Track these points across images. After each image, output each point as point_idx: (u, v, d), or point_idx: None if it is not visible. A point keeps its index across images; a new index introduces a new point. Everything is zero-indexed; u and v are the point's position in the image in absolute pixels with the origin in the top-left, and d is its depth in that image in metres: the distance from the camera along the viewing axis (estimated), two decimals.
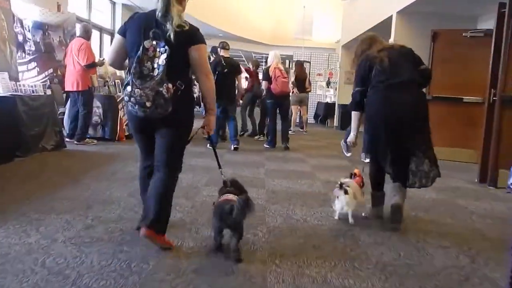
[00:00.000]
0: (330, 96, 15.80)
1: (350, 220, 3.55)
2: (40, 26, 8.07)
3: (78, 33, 7.21)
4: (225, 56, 7.60)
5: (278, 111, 7.98)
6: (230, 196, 2.76)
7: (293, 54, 15.53)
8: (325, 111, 14.79)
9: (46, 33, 8.36)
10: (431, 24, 7.56)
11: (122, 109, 7.86)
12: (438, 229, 3.58)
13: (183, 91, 2.66)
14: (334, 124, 14.00)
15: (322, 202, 4.18)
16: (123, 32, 2.75)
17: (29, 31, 7.82)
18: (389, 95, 3.36)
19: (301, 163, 6.36)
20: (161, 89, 2.51)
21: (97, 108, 7.59)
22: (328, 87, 16.19)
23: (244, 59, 23.09)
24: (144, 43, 2.54)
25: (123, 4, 13.45)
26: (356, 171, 3.81)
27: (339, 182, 3.51)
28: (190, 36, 2.68)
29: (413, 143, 3.42)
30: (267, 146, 7.98)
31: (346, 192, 3.46)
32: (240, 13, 18.16)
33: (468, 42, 7.19)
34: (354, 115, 3.67)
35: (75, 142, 6.97)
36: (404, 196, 3.53)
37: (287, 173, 5.62)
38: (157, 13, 2.62)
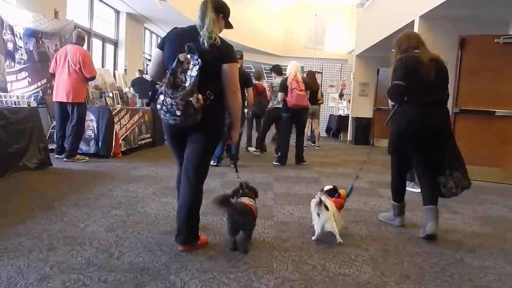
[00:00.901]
0: (343, 108, 15.10)
1: (338, 239, 3.28)
2: (33, 34, 7.51)
3: (73, 39, 6.59)
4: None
5: (294, 126, 7.50)
6: (246, 200, 3.05)
7: (304, 65, 14.90)
8: (338, 124, 14.08)
9: (40, 41, 7.79)
10: (458, 30, 6.85)
11: (119, 123, 7.21)
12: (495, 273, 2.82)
13: (213, 101, 2.80)
14: (348, 138, 13.24)
15: (345, 240, 3.39)
16: (161, 46, 2.92)
17: (20, 38, 7.26)
18: (427, 111, 3.43)
19: (315, 185, 5.63)
20: (191, 99, 2.64)
21: (91, 122, 6.96)
22: (341, 99, 15.51)
23: (253, 70, 22.52)
24: (179, 56, 2.69)
25: (127, 13, 12.94)
26: (341, 191, 3.62)
27: (318, 198, 3.23)
28: (224, 53, 2.83)
29: (444, 159, 3.47)
30: (277, 164, 7.35)
31: (327, 209, 3.19)
32: (251, 24, 17.68)
33: (500, 49, 6.46)
34: (391, 103, 3.67)
35: (65, 159, 6.33)
36: (438, 220, 3.54)
37: (300, 198, 4.88)
38: (198, 28, 2.79)
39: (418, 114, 3.46)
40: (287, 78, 7.35)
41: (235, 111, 2.96)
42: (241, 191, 3.23)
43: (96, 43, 11.87)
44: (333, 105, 15.63)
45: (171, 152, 3.15)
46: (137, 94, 10.94)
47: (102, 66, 12.03)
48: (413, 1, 7.68)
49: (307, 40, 14.43)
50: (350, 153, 9.96)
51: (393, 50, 3.73)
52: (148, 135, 8.61)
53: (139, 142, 8.10)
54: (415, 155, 3.57)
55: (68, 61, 6.30)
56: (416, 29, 7.26)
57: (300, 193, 5.13)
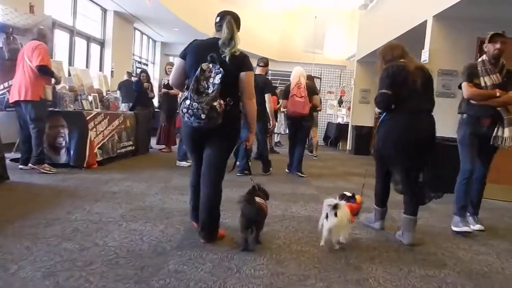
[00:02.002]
0: (342, 116, 14.35)
1: (336, 246, 3.29)
2: (2, 28, 6.72)
3: (34, 36, 5.83)
4: (257, 73, 6.61)
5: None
6: (258, 200, 3.23)
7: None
8: (337, 133, 13.33)
9: (11, 37, 6.99)
10: (476, 31, 6.15)
11: (94, 129, 6.41)
12: None
13: (232, 107, 3.10)
14: (347, 148, 12.47)
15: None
16: (183, 55, 3.19)
17: None
18: (414, 119, 3.50)
19: (316, 204, 4.85)
20: (215, 104, 2.92)
21: (62, 128, 6.15)
22: (340, 106, 14.78)
23: None
24: (202, 65, 2.98)
25: (115, 12, 12.17)
26: (357, 197, 3.61)
27: (334, 203, 3.17)
28: (242, 62, 3.13)
29: (423, 168, 3.63)
30: (288, 171, 7.17)
31: (336, 215, 3.14)
32: (247, 27, 16.78)
33: None
34: (378, 111, 3.78)
35: (31, 165, 5.55)
36: (415, 230, 3.62)
37: (298, 221, 4.09)
38: (221, 40, 3.08)
39: (406, 122, 3.51)
40: (289, 84, 7.00)
41: (251, 116, 3.25)
42: (253, 192, 3.33)
43: (80, 42, 11.10)
44: (331, 112, 14.91)
45: (189, 153, 3.57)
46: (122, 98, 10.21)
47: (87, 67, 11.26)
48: (425, 0, 6.96)
49: (306, 44, 13.74)
50: (350, 164, 9.19)
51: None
52: (130, 143, 7.80)
53: (118, 151, 7.29)
54: (399, 162, 3.61)
55: (24, 58, 5.55)
56: (429, 30, 6.55)
57: (298, 215, 4.35)
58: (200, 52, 3.10)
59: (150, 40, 16.78)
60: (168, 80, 9.27)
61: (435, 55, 6.44)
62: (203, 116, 2.93)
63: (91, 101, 7.17)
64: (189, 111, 2.96)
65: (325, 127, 14.46)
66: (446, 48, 6.44)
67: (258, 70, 6.88)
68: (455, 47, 6.43)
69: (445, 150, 6.29)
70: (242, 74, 3.14)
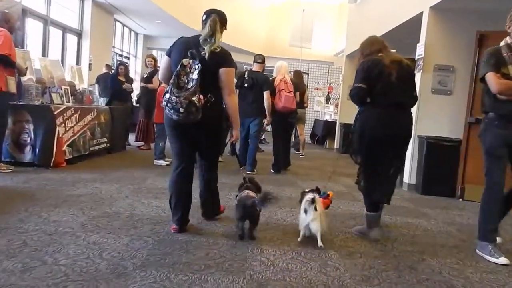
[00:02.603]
0: (329, 113, 13.95)
1: (319, 243, 3.24)
2: None
3: None
4: (254, 70, 6.71)
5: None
6: (251, 193, 3.39)
7: (289, 67, 13.70)
8: (324, 131, 12.90)
9: None
10: (476, 24, 5.74)
11: (63, 124, 5.88)
12: None
13: (213, 103, 3.23)
14: (335, 146, 12.07)
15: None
16: (169, 53, 3.35)
17: None
18: (389, 116, 3.43)
19: None
20: (193, 98, 3.04)
21: (27, 123, 5.61)
22: (327, 103, 14.38)
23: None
24: (183, 60, 3.13)
25: (93, 1, 11.56)
26: (329, 192, 3.73)
27: (312, 197, 3.24)
28: (222, 58, 3.24)
29: (403, 160, 3.78)
30: (273, 172, 6.91)
31: (316, 209, 3.21)
32: (233, 21, 16.31)
33: None
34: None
35: None
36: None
37: (283, 231, 3.64)
38: (202, 36, 3.22)
39: (379, 116, 3.45)
40: (274, 79, 6.84)
41: (232, 111, 3.37)
42: (245, 185, 3.52)
43: (55, 33, 10.49)
44: (319, 109, 14.46)
45: (172, 147, 3.41)
46: (101, 92, 9.66)
47: (62, 59, 10.65)
48: None
49: (293, 38, 13.26)
50: (339, 164, 8.69)
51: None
52: (104, 140, 7.26)
53: (91, 148, 6.76)
54: (371, 156, 3.52)
55: None
56: (424, 23, 6.14)
57: (284, 223, 3.90)
58: (184, 49, 3.22)
59: (132, 32, 16.16)
60: (147, 74, 8.87)
61: (431, 49, 6.05)
62: (181, 109, 3.03)
63: (62, 95, 6.62)
64: (169, 104, 3.07)
65: (312, 125, 14.04)
66: (443, 42, 6.04)
67: (255, 67, 6.74)
68: (453, 41, 6.03)
69: (442, 151, 5.96)
70: (221, 70, 3.22)
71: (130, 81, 9.33)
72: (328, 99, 14.44)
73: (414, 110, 6.16)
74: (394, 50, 5.65)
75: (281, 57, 16.13)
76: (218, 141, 3.49)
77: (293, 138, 10.19)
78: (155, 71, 8.06)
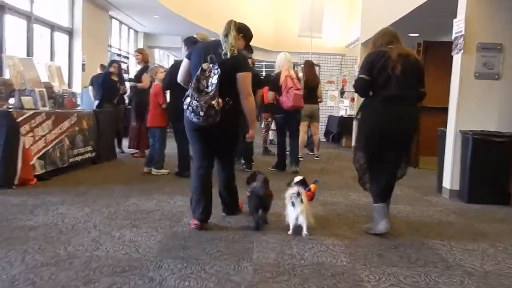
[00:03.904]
0: (344, 108, 12.84)
1: (305, 231, 3.38)
2: None
3: None
4: None
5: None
6: (260, 184, 3.58)
7: (298, 61, 12.67)
8: (339, 127, 11.82)
9: None
10: None
11: (30, 134, 4.91)
12: None
13: (231, 106, 3.34)
14: (352, 144, 10.96)
15: None
16: (189, 56, 3.53)
17: None
18: (389, 109, 3.43)
19: (325, 236, 3.37)
20: (213, 102, 3.18)
21: None
22: (342, 97, 13.27)
23: None
24: (203, 65, 3.26)
25: None
26: (311, 186, 3.73)
27: (297, 190, 3.38)
28: (239, 63, 3.37)
29: (403, 154, 3.57)
30: (273, 170, 6.52)
31: (302, 201, 3.33)
32: (237, 14, 15.45)
33: None
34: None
35: None
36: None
37: (304, 279, 2.60)
38: (222, 42, 3.34)
39: (381, 110, 3.46)
40: (278, 74, 6.45)
41: (249, 113, 3.53)
42: (255, 178, 3.68)
43: (42, 32, 9.56)
44: (332, 104, 13.34)
45: (194, 148, 3.63)
46: (95, 94, 8.64)
47: (51, 59, 9.73)
48: None
49: (303, 27, 12.15)
50: None
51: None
52: (89, 149, 6.28)
53: (71, 160, 5.77)
54: (376, 150, 3.52)
55: None
56: (460, 4, 5.04)
57: (302, 264, 2.83)
58: (203, 53, 3.35)
59: (131, 30, 15.25)
60: (137, 71, 7.89)
61: (473, 24, 4.94)
62: (201, 113, 3.18)
63: (37, 99, 5.64)
64: (189, 107, 3.21)
65: (326, 121, 12.95)
66: (486, 15, 4.93)
67: None
68: (500, 14, 4.92)
69: (491, 149, 4.87)
70: (239, 74, 3.34)
71: (123, 81, 8.37)
72: (342, 93, 13.33)
73: (454, 99, 5.29)
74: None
75: (290, 50, 15.16)
76: (236, 142, 3.68)
77: (306, 138, 9.09)
78: (145, 68, 7.07)
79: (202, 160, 3.52)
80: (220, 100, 3.20)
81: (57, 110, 5.77)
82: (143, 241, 3.07)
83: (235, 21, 3.42)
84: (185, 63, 3.54)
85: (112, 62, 8.39)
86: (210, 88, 3.18)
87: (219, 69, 3.20)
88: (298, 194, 3.34)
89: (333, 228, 3.65)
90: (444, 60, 6.76)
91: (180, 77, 3.61)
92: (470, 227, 3.87)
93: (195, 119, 3.25)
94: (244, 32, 3.50)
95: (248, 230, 3.50)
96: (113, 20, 13.40)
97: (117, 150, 7.85)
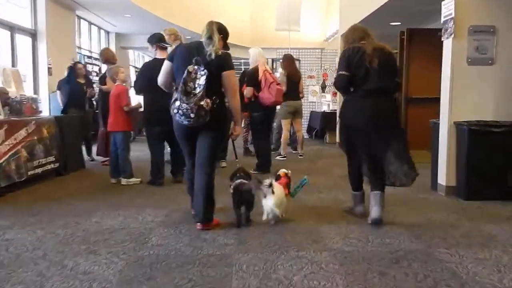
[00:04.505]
0: (327, 103, 12.43)
1: (271, 221, 3.55)
2: None
3: None
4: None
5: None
6: (244, 181, 3.60)
7: (276, 56, 12.23)
8: (322, 123, 11.43)
9: None
10: None
11: None
12: None
13: (218, 104, 3.37)
14: (336, 140, 10.55)
15: None
16: (171, 58, 3.54)
17: None
18: (369, 102, 3.52)
19: (316, 254, 2.92)
20: (202, 103, 3.21)
21: None
22: (323, 92, 12.88)
23: None
24: (188, 67, 3.25)
25: None
26: (281, 172, 3.89)
27: (269, 182, 3.48)
28: (224, 62, 3.41)
29: (388, 146, 3.51)
30: (256, 172, 5.77)
31: (273, 192, 3.44)
32: (214, 13, 14.95)
33: None
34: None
35: None
36: (384, 204, 3.59)
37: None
38: (205, 43, 3.37)
39: (363, 104, 3.55)
40: (255, 69, 6.13)
41: (235, 110, 3.57)
42: (238, 174, 3.71)
43: (1, 34, 8.89)
44: (314, 99, 12.95)
45: (183, 150, 3.62)
46: (61, 99, 8.02)
47: (13, 64, 9.08)
48: None
49: (280, 21, 11.70)
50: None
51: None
52: (51, 159, 5.70)
53: (30, 172, 5.19)
54: (361, 143, 3.63)
55: None
56: None
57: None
58: (186, 55, 3.39)
59: (102, 31, 14.58)
60: (104, 73, 7.34)
61: (464, 5, 4.55)
62: (192, 115, 3.22)
63: None
64: (180, 111, 3.24)
65: (308, 117, 12.54)
66: (477, 13, 4.59)
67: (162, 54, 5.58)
68: (493, 11, 4.58)
69: (490, 140, 4.48)
70: (224, 73, 3.40)
71: (90, 83, 7.81)
72: (324, 88, 12.95)
73: (446, 88, 4.83)
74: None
75: (269, 46, 14.75)
76: (222, 139, 3.70)
77: (288, 135, 8.63)
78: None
79: (194, 159, 3.55)
80: (208, 100, 3.23)
81: (12, 118, 5.19)
82: (100, 272, 2.56)
83: (212, 22, 3.48)
84: (166, 65, 3.53)
85: (76, 63, 7.79)
86: (198, 90, 3.20)
87: (205, 70, 3.22)
88: (270, 185, 3.45)
89: (324, 240, 3.20)
90: (430, 48, 6.42)
91: (161, 79, 3.57)
92: (476, 229, 3.46)
93: (185, 122, 3.27)
94: (223, 33, 3.52)
95: (226, 248, 3.03)
96: (82, 20, 12.76)
97: (87, 158, 7.30)
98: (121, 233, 3.35)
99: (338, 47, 11.10)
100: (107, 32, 14.98)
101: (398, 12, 7.93)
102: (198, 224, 3.41)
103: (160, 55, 5.20)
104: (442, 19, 4.82)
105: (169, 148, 5.57)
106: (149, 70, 5.02)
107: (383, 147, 3.51)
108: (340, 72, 3.59)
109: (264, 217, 3.56)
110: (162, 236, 3.28)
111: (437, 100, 5.06)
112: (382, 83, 3.49)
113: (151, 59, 5.77)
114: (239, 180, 3.58)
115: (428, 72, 6.55)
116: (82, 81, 7.49)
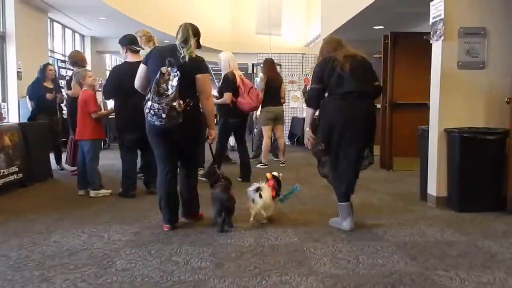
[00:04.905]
0: None
1: (264, 221, 3.70)
2: None
3: None
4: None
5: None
6: (224, 187, 3.63)
7: (257, 61, 11.96)
8: (304, 130, 11.15)
9: None
10: None
11: None
12: None
13: (192, 107, 3.41)
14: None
15: None
16: (146, 61, 3.57)
17: None
18: (346, 104, 3.53)
19: (301, 277, 2.61)
20: (174, 104, 3.23)
21: None
22: (305, 97, 12.63)
23: None
24: (162, 69, 3.30)
25: None
26: (268, 175, 3.94)
27: (257, 187, 3.57)
28: (198, 65, 3.51)
29: (363, 147, 3.61)
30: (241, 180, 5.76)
31: (261, 196, 3.53)
32: (193, 16, 14.64)
33: None
34: (310, 111, 3.78)
35: None
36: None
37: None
38: (179, 47, 3.44)
39: (342, 103, 3.54)
40: (232, 74, 5.81)
41: (209, 114, 3.63)
42: (218, 180, 3.74)
43: None
44: (295, 105, 12.72)
45: (157, 155, 3.58)
46: (31, 105, 7.55)
47: None
48: None
49: (261, 24, 11.44)
50: None
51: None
52: (14, 169, 5.26)
53: None
54: (338, 148, 3.57)
55: None
56: None
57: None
58: (160, 57, 3.41)
59: (76, 34, 14.12)
60: (70, 76, 6.92)
61: (453, 7, 4.32)
62: (163, 115, 3.23)
63: None
64: (151, 111, 3.25)
65: (290, 124, 12.28)
66: (462, 14, 4.38)
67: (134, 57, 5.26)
68: (480, 13, 4.37)
69: (482, 148, 4.25)
70: (198, 76, 3.46)
71: (59, 88, 7.38)
72: (305, 93, 12.71)
73: (435, 93, 4.47)
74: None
75: (249, 52, 14.50)
76: (198, 142, 3.71)
77: (270, 142, 8.32)
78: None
79: (167, 164, 3.55)
80: (181, 102, 3.25)
81: None
82: None
83: (187, 24, 3.51)
84: (142, 68, 3.56)
85: (45, 66, 7.32)
86: (170, 91, 3.22)
87: (178, 72, 3.25)
88: (257, 189, 3.55)
89: (310, 262, 2.88)
90: (415, 52, 6.21)
91: (137, 83, 3.61)
92: (473, 247, 3.19)
93: (157, 122, 3.28)
94: (198, 35, 3.55)
95: (200, 273, 2.68)
96: (55, 23, 12.30)
97: (56, 167, 6.86)
98: (82, 255, 2.98)
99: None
100: (82, 36, 14.52)
101: (381, 16, 7.75)
102: (184, 218, 3.69)
103: (130, 58, 4.86)
104: (431, 20, 4.58)
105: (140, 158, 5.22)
106: (118, 74, 4.84)
107: (354, 153, 3.56)
108: (312, 86, 3.75)
109: (251, 220, 3.64)
110: (128, 258, 2.92)
111: (424, 105, 4.84)
112: (358, 86, 3.52)
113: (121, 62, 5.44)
114: (219, 187, 3.61)
115: (413, 76, 6.33)
116: (50, 85, 7.05)
